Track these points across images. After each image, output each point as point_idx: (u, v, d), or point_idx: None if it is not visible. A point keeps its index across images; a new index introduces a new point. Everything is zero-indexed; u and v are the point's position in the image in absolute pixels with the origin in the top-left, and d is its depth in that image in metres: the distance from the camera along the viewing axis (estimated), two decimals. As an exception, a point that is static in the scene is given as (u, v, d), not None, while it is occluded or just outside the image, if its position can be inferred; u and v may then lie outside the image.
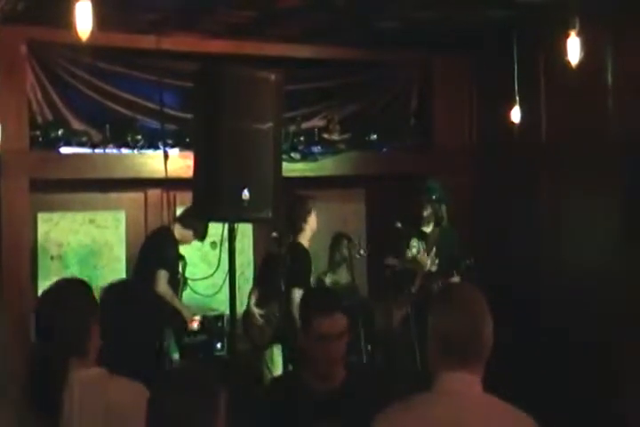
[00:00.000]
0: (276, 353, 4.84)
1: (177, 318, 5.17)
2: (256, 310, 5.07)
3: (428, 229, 5.19)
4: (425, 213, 5.12)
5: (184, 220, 5.13)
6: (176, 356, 5.09)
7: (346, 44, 6.05)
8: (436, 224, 5.21)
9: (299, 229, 4.77)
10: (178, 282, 5.28)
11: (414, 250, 5.17)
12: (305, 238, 4.80)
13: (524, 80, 5.63)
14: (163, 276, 4.94)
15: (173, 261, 5.12)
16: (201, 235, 5.18)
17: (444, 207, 5.21)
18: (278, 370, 4.78)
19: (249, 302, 5.24)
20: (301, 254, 4.73)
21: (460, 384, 1.95)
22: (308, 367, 2.65)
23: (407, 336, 4.72)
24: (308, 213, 4.76)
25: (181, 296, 5.37)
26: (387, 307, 5.13)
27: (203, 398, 1.79)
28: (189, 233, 5.14)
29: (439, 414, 1.93)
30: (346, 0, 4.94)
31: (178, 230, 5.14)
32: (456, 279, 4.97)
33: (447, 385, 1.95)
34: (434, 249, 5.09)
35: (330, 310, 2.60)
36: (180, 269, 5.32)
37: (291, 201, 4.71)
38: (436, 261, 5.12)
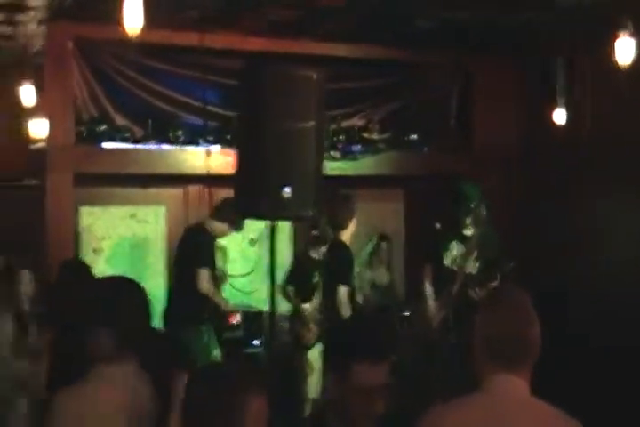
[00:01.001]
0: (317, 353, 4.83)
1: (217, 314, 5.19)
2: (307, 308, 5.05)
3: (468, 231, 5.11)
4: (467, 221, 5.05)
5: (218, 214, 5.14)
6: (216, 352, 5.09)
7: (386, 44, 6.03)
8: (476, 225, 5.13)
9: (341, 228, 4.76)
10: (218, 276, 5.30)
11: (454, 252, 5.10)
12: (346, 237, 4.78)
13: (568, 83, 5.54)
14: (204, 274, 4.95)
15: (211, 257, 5.14)
16: (237, 226, 5.16)
17: (484, 210, 5.13)
18: (318, 371, 4.77)
19: (294, 300, 5.23)
20: (344, 252, 4.72)
21: (507, 386, 1.95)
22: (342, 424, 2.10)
23: (447, 338, 4.67)
24: (353, 212, 4.75)
25: (221, 289, 5.39)
26: (425, 309, 5.08)
27: (233, 395, 1.78)
28: (225, 226, 5.15)
29: (484, 415, 1.93)
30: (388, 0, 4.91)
31: (214, 225, 5.14)
32: (495, 283, 4.89)
33: (494, 387, 1.95)
34: (475, 252, 5.02)
35: (380, 358, 2.04)
36: (221, 261, 5.34)
37: (334, 199, 4.70)
38: (477, 265, 5.05)
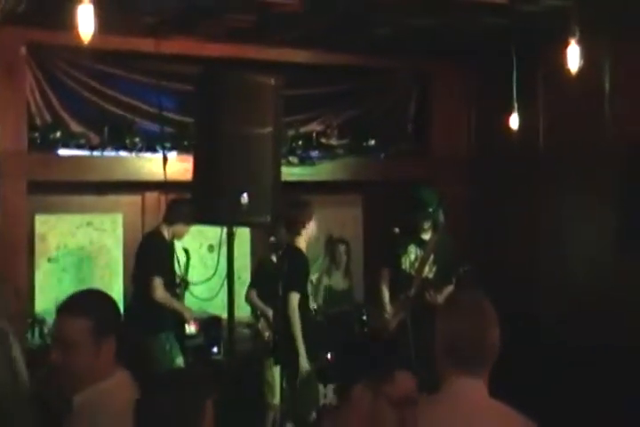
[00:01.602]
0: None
1: (178, 322, 5.15)
2: (272, 313, 5.03)
3: (426, 236, 5.17)
4: (425, 226, 5.11)
5: (170, 216, 5.13)
6: (179, 360, 5.04)
7: (345, 50, 6.06)
8: (434, 229, 5.19)
9: (297, 234, 4.76)
10: (178, 282, 5.26)
11: (412, 256, 5.15)
12: (302, 243, 4.79)
13: (523, 87, 5.64)
14: (158, 283, 4.94)
15: (166, 264, 5.10)
16: (190, 219, 5.10)
17: (441, 214, 5.18)
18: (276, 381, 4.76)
19: (258, 305, 5.21)
20: (299, 258, 4.71)
21: (466, 388, 1.97)
22: None
23: (404, 341, 4.70)
24: (309, 218, 4.75)
25: (184, 295, 5.34)
26: (382, 313, 5.11)
27: (190, 399, 1.81)
28: (180, 226, 5.12)
29: (442, 417, 1.94)
30: (345, 6, 4.94)
31: (169, 230, 5.12)
32: (451, 287, 4.95)
33: (453, 389, 1.97)
34: (431, 256, 5.07)
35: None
36: (183, 266, 5.31)
37: (291, 205, 4.70)
38: (433, 269, 5.11)
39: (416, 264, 5.06)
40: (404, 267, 5.12)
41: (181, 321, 5.18)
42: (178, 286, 5.28)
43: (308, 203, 4.90)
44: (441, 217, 5.17)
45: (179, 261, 5.23)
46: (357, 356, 2.18)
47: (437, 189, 5.38)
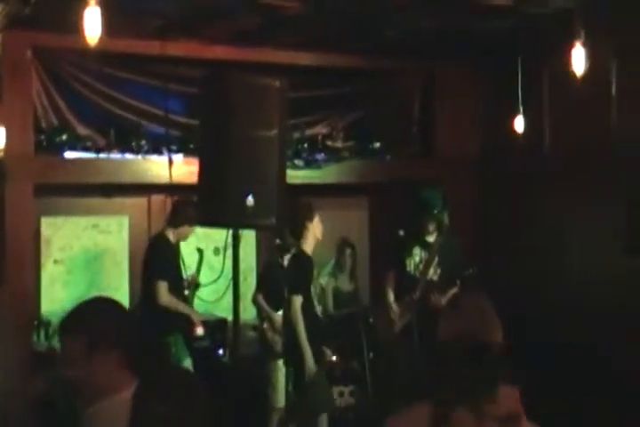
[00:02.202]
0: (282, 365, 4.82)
1: (185, 325, 5.14)
2: (279, 316, 5.04)
3: (431, 238, 5.17)
4: (430, 228, 5.11)
5: (175, 218, 5.13)
6: (187, 362, 5.04)
7: (350, 53, 6.06)
8: (439, 231, 5.19)
9: (301, 237, 4.77)
10: (188, 283, 5.26)
11: (417, 258, 5.15)
12: (308, 246, 4.80)
13: (528, 90, 5.64)
14: (162, 287, 4.94)
15: (171, 267, 5.09)
16: (194, 220, 5.11)
17: (446, 216, 5.19)
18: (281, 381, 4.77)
19: (265, 308, 5.21)
20: (304, 262, 4.72)
21: None
22: None
23: (409, 344, 4.70)
24: (311, 220, 4.75)
25: (194, 297, 5.33)
26: (388, 315, 5.12)
27: (186, 399, 1.84)
28: (185, 228, 5.13)
29: None
30: (351, 8, 4.94)
31: (174, 232, 5.13)
32: (455, 289, 4.95)
33: None
34: (436, 258, 5.07)
35: None
36: (195, 266, 5.31)
37: (294, 208, 4.71)
38: (438, 271, 5.10)
39: (421, 266, 5.06)
40: (408, 269, 5.12)
41: (189, 324, 5.17)
42: (187, 287, 5.27)
43: (306, 205, 4.90)
44: (446, 219, 5.17)
45: (184, 263, 5.22)
46: (455, 371, 1.91)
47: (442, 191, 5.38)
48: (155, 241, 5.22)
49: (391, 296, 5.15)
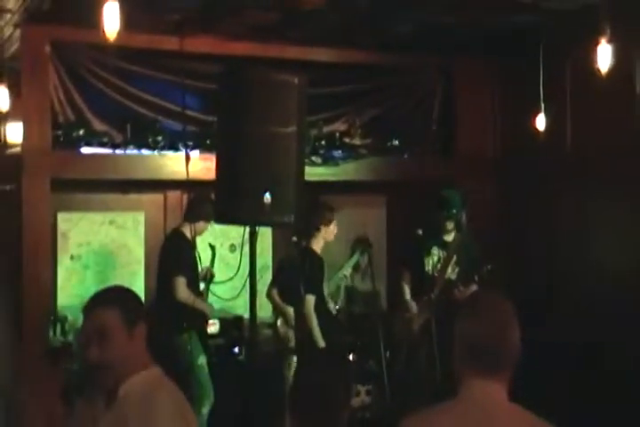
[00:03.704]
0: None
1: (201, 321, 5.16)
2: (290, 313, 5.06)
3: (449, 237, 5.17)
4: (448, 227, 5.10)
5: (190, 214, 5.16)
6: (202, 360, 5.06)
7: (369, 48, 6.05)
8: (457, 231, 5.18)
9: (313, 235, 4.78)
10: (203, 278, 5.28)
11: (435, 258, 5.15)
12: (318, 245, 4.80)
13: (550, 87, 5.60)
14: (180, 282, 4.96)
15: (188, 263, 5.12)
16: (210, 216, 5.13)
17: (464, 216, 5.18)
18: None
19: (280, 304, 5.23)
20: (312, 260, 4.73)
21: (485, 392, 1.94)
22: None
23: (427, 344, 4.69)
24: (327, 225, 4.76)
25: (208, 290, 5.35)
26: (406, 315, 5.11)
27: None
28: (200, 224, 5.16)
29: (462, 422, 1.92)
30: (368, 3, 4.93)
31: (191, 227, 5.15)
32: (474, 287, 4.94)
33: (471, 393, 1.95)
34: (454, 257, 5.07)
35: None
36: (209, 261, 5.34)
37: (314, 206, 4.70)
38: (456, 270, 5.10)
39: (439, 266, 5.06)
40: (427, 269, 5.12)
41: (204, 321, 5.20)
42: (203, 279, 5.28)
43: (326, 207, 4.89)
44: (464, 218, 5.16)
45: (200, 259, 5.24)
46: None
47: (461, 190, 5.37)
48: (171, 237, 5.25)
49: (408, 293, 5.16)
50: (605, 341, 5.09)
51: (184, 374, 4.84)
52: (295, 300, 4.85)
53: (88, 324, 2.18)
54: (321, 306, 4.77)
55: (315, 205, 4.87)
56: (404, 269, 5.29)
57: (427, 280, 5.04)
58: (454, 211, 5.06)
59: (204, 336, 5.18)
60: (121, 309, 2.15)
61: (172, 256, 5.09)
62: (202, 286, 5.32)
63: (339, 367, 2.33)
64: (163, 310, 5.03)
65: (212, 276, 5.32)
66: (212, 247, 5.42)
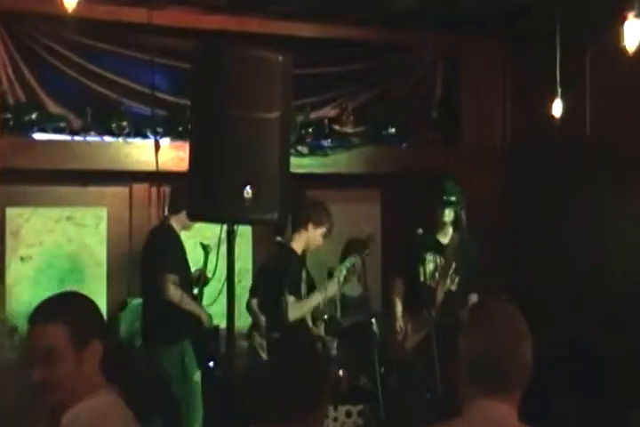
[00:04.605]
0: None
1: (195, 326, 5.03)
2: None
3: (445, 239, 5.11)
4: (445, 219, 5.06)
5: (175, 206, 5.07)
6: (198, 376, 4.95)
7: (361, 24, 6.06)
8: (454, 230, 5.14)
9: (296, 232, 4.78)
10: (193, 281, 5.21)
11: (431, 265, 5.10)
12: (299, 245, 4.82)
13: (568, 68, 5.62)
14: (170, 281, 4.83)
15: (181, 260, 5.02)
16: None
17: (463, 213, 5.16)
18: None
19: (258, 316, 5.22)
20: (289, 260, 4.73)
21: (490, 414, 1.93)
22: None
23: (424, 364, 4.70)
24: (315, 227, 4.76)
25: (202, 295, 5.28)
26: (396, 329, 5.10)
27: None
28: (184, 215, 5.09)
29: None
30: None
31: (177, 221, 5.05)
32: (475, 297, 4.95)
33: (475, 414, 1.94)
34: (453, 265, 5.05)
35: None
36: (202, 262, 5.28)
37: (308, 203, 4.72)
38: (456, 280, 5.07)
39: (436, 275, 5.04)
40: (422, 279, 5.08)
41: (200, 329, 5.07)
42: (196, 284, 5.22)
43: (321, 207, 4.87)
44: (463, 216, 5.14)
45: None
46: None
47: (462, 186, 5.34)
48: (158, 231, 5.13)
49: (400, 310, 5.12)
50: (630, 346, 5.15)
51: (172, 393, 4.78)
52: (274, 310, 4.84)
53: (31, 341, 2.13)
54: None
55: (309, 202, 4.87)
56: (395, 279, 5.24)
57: (423, 292, 5.02)
58: (452, 198, 5.04)
59: (201, 347, 5.07)
60: (69, 325, 2.08)
61: (161, 252, 4.95)
62: (195, 290, 5.25)
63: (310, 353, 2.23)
64: (150, 317, 4.95)
65: (207, 279, 5.23)
66: (205, 247, 5.36)
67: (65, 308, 2.15)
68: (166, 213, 5.19)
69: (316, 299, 4.82)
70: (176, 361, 4.87)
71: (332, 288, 4.92)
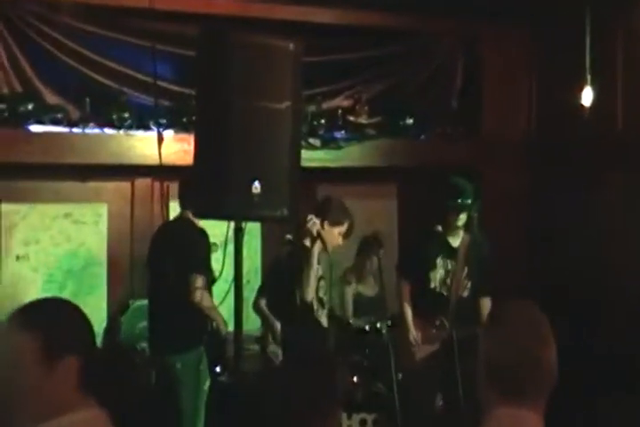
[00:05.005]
0: None
1: (211, 332, 4.93)
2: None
3: (455, 242, 5.06)
4: (459, 223, 5.00)
5: (186, 200, 4.95)
6: (207, 384, 4.87)
7: (377, 9, 6.05)
8: (466, 231, 5.07)
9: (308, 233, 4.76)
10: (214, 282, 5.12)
11: (442, 271, 5.05)
12: (314, 247, 4.80)
13: (598, 54, 5.59)
14: (199, 282, 4.69)
15: (207, 259, 4.82)
16: None
17: (476, 215, 5.09)
18: None
19: (267, 317, 5.22)
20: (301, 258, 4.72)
21: (515, 422, 1.92)
22: None
23: (450, 373, 4.69)
24: (337, 222, 4.74)
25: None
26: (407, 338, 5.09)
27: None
28: None
29: None
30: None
31: (193, 215, 4.94)
32: (487, 301, 4.93)
33: (498, 424, 1.93)
34: (465, 268, 5.01)
35: None
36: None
37: (326, 200, 4.72)
38: (468, 285, 5.04)
39: (447, 281, 5.00)
40: (433, 285, 5.03)
41: (216, 335, 4.98)
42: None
43: (343, 206, 4.85)
44: (476, 218, 5.08)
45: None
46: None
47: (477, 183, 5.29)
48: (178, 226, 4.96)
49: (409, 316, 5.07)
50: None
51: (179, 401, 4.76)
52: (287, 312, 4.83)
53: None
54: (305, 313, 4.74)
55: (328, 200, 4.87)
56: (403, 283, 5.18)
57: (435, 299, 5.00)
58: (469, 201, 4.97)
59: (211, 353, 5.00)
60: (41, 336, 1.95)
61: (187, 250, 4.77)
62: None
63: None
64: (162, 320, 4.80)
65: (214, 279, 5.12)
66: (211, 245, 5.30)
67: (43, 315, 2.03)
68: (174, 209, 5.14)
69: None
70: (191, 368, 4.76)
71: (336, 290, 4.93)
